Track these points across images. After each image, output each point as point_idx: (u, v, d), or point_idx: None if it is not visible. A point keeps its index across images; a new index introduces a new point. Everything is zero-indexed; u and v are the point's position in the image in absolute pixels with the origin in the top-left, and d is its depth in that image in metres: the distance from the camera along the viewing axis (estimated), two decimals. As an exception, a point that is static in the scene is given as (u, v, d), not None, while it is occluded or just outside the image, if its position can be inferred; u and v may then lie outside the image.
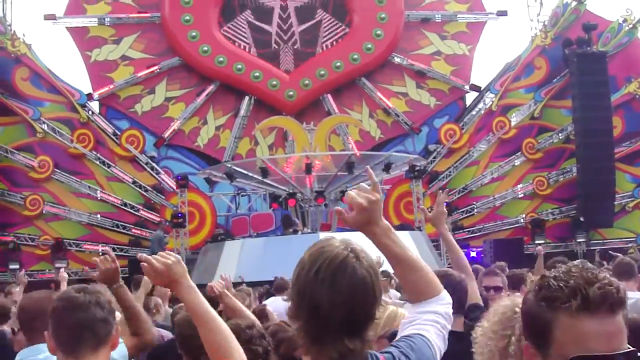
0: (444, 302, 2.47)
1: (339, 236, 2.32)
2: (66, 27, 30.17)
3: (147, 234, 28.24)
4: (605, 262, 12.68)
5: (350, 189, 2.52)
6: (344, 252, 2.19)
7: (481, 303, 5.12)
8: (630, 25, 30.97)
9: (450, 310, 2.49)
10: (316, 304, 2.11)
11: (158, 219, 28.27)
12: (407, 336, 2.33)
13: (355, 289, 2.13)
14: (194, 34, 29.77)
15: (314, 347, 2.14)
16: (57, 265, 25.94)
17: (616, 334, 1.77)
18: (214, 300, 5.31)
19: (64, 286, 8.35)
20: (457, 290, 4.50)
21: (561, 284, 1.80)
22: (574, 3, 31.04)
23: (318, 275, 2.13)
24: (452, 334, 4.45)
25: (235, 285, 8.79)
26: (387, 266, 3.21)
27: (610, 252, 16.66)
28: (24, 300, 4.25)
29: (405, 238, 22.66)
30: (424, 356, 2.29)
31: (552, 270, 1.89)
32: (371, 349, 2.24)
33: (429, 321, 2.38)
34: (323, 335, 2.12)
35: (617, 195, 29.50)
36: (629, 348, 1.78)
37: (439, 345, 2.38)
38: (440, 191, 5.71)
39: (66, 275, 8.64)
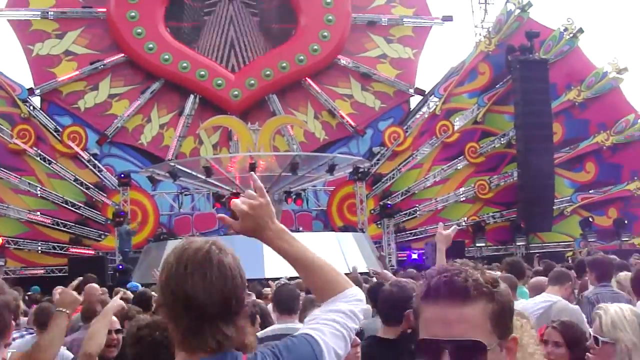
0: (347, 299, 2.46)
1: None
2: (7, 20, 29.60)
3: (88, 232, 27.90)
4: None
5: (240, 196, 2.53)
6: (205, 245, 2.23)
7: None
8: (571, 34, 31.65)
9: (359, 308, 2.47)
10: (191, 297, 2.13)
11: (100, 217, 27.95)
12: (290, 336, 2.37)
13: (225, 276, 2.17)
14: (139, 30, 29.47)
15: (193, 339, 2.16)
16: (-7, 262, 25.48)
17: (456, 322, 1.76)
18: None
19: None
20: (390, 300, 4.57)
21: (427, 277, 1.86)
22: (518, 11, 31.57)
23: (187, 269, 2.16)
24: (384, 341, 4.51)
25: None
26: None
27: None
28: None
29: (348, 239, 22.91)
30: (302, 357, 2.28)
31: None
32: (245, 337, 2.28)
33: (326, 320, 2.38)
34: (200, 326, 2.15)
35: (556, 200, 30.07)
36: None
37: (334, 344, 2.35)
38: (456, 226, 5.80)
39: None
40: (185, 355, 2.17)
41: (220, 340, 2.15)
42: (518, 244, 29.92)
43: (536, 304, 6.80)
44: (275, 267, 15.11)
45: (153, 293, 8.20)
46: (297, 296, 6.37)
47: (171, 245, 22.09)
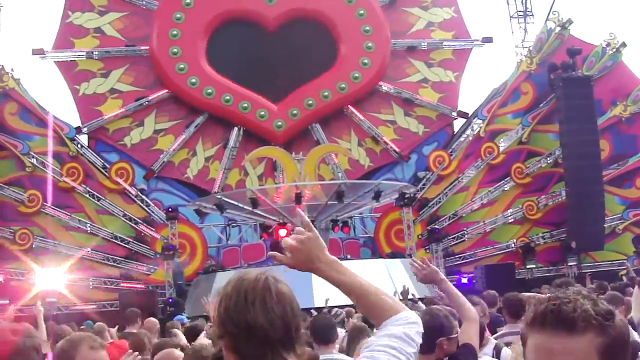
0: (400, 322, 2.44)
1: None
2: (54, 62, 30.27)
3: (139, 267, 28.17)
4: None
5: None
6: (261, 276, 2.29)
7: (476, 346, 4.88)
8: (614, 49, 31.29)
9: (414, 330, 2.44)
10: (252, 325, 2.18)
11: (150, 251, 28.22)
12: None
13: (284, 304, 2.24)
14: (182, 66, 29.88)
15: None
16: (47, 299, 25.79)
17: (560, 353, 1.70)
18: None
19: (40, 320, 8.29)
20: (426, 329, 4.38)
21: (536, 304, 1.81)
22: (558, 28, 31.35)
23: (247, 299, 2.22)
24: None
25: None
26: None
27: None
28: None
29: (396, 265, 22.80)
30: None
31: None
32: None
33: (381, 346, 2.37)
34: (262, 354, 2.19)
35: (606, 218, 29.59)
36: None
37: None
38: (424, 257, 5.54)
39: (42, 309, 8.54)
40: None
41: None
42: (570, 264, 29.45)
43: None
44: (324, 296, 15.07)
45: (209, 324, 8.24)
46: (334, 325, 6.33)
47: (220, 277, 22.34)
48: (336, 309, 12.76)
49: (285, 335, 2.21)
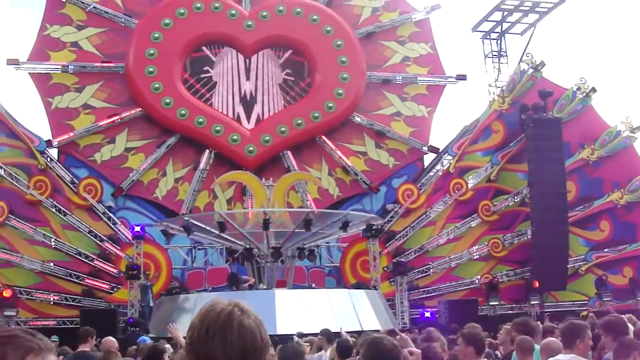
0: None
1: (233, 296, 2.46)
2: (29, 73, 30.10)
3: (101, 284, 27.91)
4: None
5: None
6: (228, 307, 2.33)
7: None
8: (584, 94, 31.86)
9: None
10: (211, 358, 2.24)
11: (114, 270, 28.00)
12: None
13: (244, 338, 2.27)
14: (157, 85, 29.88)
15: None
16: (6, 313, 25.46)
17: None
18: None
19: None
20: (386, 358, 4.33)
21: None
22: (531, 70, 31.86)
23: (208, 332, 2.27)
24: None
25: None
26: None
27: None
28: None
29: (361, 296, 22.83)
30: None
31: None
32: None
33: None
34: None
35: (570, 259, 29.93)
36: None
37: None
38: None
39: None
40: None
41: None
42: (532, 302, 29.67)
43: None
44: (287, 323, 15.10)
45: (167, 346, 8.24)
46: (302, 353, 6.35)
47: (183, 299, 22.21)
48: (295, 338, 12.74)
49: None
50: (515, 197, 31.37)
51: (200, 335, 2.28)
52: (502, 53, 36.02)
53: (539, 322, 10.16)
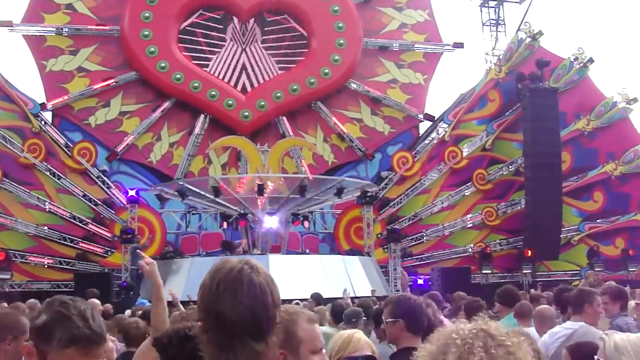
0: None
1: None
2: (22, 35, 29.84)
3: (95, 248, 27.96)
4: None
5: None
6: (238, 264, 2.35)
7: None
8: (581, 64, 31.78)
9: None
10: (222, 315, 2.25)
11: (108, 234, 28.03)
12: None
13: (254, 295, 2.28)
14: (152, 49, 29.67)
15: (223, 355, 2.27)
16: (0, 276, 25.52)
17: None
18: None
19: None
20: (412, 313, 4.63)
21: None
22: (529, 39, 31.73)
23: (218, 289, 2.28)
24: (407, 350, 4.45)
25: (184, 304, 8.75)
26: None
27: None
28: None
29: (354, 263, 22.91)
30: None
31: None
32: (274, 352, 2.42)
33: None
34: (231, 343, 2.25)
35: (563, 229, 30.05)
36: None
37: None
38: None
39: None
40: None
41: (251, 355, 2.25)
42: (524, 271, 29.81)
43: (554, 334, 6.23)
44: (281, 288, 15.14)
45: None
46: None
47: (177, 263, 22.26)
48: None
49: (255, 326, 2.25)
50: (510, 167, 31.40)
51: (210, 292, 2.29)
52: (499, 21, 35.78)
53: (524, 291, 10.21)
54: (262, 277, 2.33)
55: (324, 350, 2.83)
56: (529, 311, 7.61)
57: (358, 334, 3.75)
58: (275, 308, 2.33)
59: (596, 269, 28.09)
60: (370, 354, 3.62)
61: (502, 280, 28.20)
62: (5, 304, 10.76)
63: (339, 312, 8.69)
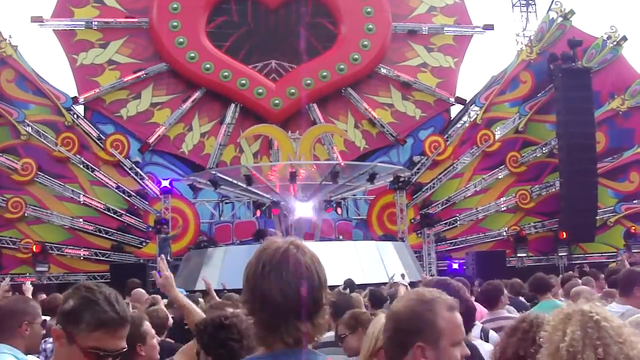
0: None
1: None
2: (53, 30, 30.09)
3: (130, 239, 28.19)
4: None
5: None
6: (284, 244, 2.31)
7: None
8: (615, 42, 31.27)
9: None
10: (266, 296, 2.23)
11: (142, 225, 28.24)
12: None
13: (300, 276, 2.25)
14: (181, 40, 29.75)
15: (269, 335, 2.26)
16: (38, 269, 25.88)
17: None
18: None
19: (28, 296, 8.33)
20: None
21: None
22: (560, 19, 31.31)
23: (264, 269, 2.26)
24: None
25: (217, 292, 8.77)
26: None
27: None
28: (3, 302, 4.39)
29: (388, 248, 22.85)
30: None
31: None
32: (322, 333, 2.35)
33: None
34: (276, 323, 2.24)
35: (599, 210, 29.68)
36: None
37: None
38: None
39: (31, 287, 8.54)
40: (265, 350, 2.29)
41: (297, 337, 2.24)
42: (560, 254, 29.57)
43: None
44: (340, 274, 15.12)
45: (200, 300, 8.30)
46: (353, 304, 6.36)
47: (212, 252, 22.37)
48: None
49: (300, 306, 2.22)
50: (543, 148, 31.08)
51: (256, 273, 2.27)
52: (530, 2, 35.34)
53: (551, 275, 10.06)
54: (308, 257, 2.30)
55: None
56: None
57: None
58: (321, 289, 2.30)
59: (633, 251, 27.77)
60: None
61: (537, 264, 28.01)
62: (44, 295, 10.87)
63: (379, 298, 8.64)
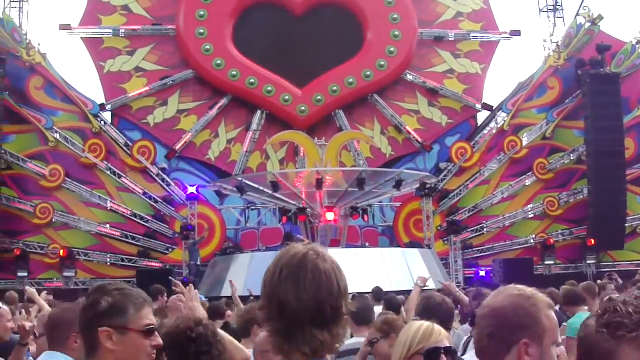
0: None
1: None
2: (81, 38, 30.35)
3: (156, 246, 28.32)
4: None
5: None
6: (303, 250, 2.25)
7: None
8: (644, 47, 30.96)
9: None
10: (284, 302, 2.16)
11: (168, 231, 28.38)
12: None
13: (319, 283, 2.18)
14: (207, 47, 29.88)
15: (286, 344, 2.19)
16: (65, 274, 26.07)
17: None
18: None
19: (38, 300, 8.38)
20: (436, 311, 4.65)
21: (630, 310, 1.56)
22: (588, 24, 31.06)
23: (282, 275, 2.19)
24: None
25: (243, 299, 8.75)
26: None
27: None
28: (53, 310, 4.34)
29: (414, 255, 22.76)
30: None
31: (622, 293, 1.65)
32: (341, 343, 2.28)
33: None
34: (293, 332, 2.16)
35: (628, 218, 29.34)
36: None
37: None
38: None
39: (34, 290, 8.60)
40: (282, 359, 2.22)
41: (315, 347, 2.16)
42: (588, 262, 29.28)
43: None
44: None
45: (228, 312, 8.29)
46: (371, 307, 6.31)
47: (238, 259, 22.41)
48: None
49: (317, 314, 2.16)
50: (572, 155, 30.81)
51: (273, 278, 2.21)
52: (557, 7, 34.98)
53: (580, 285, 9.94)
54: (328, 264, 2.23)
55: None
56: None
57: (437, 325, 3.68)
58: (341, 297, 2.22)
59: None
60: (450, 345, 3.55)
61: (565, 272, 27.78)
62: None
63: (394, 305, 8.56)
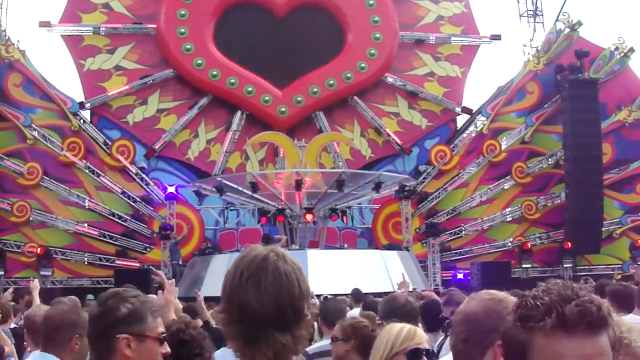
0: None
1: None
2: (61, 35, 30.16)
3: (134, 245, 28.19)
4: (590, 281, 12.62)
5: None
6: (264, 252, 2.22)
7: None
8: (622, 54, 31.21)
9: None
10: (244, 305, 2.12)
11: (147, 230, 28.25)
12: None
13: (280, 285, 2.14)
14: (188, 46, 29.79)
15: (248, 348, 2.15)
16: (42, 273, 25.85)
17: (595, 356, 1.61)
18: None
19: (35, 295, 8.33)
20: (400, 313, 4.69)
21: (537, 302, 1.66)
22: (567, 30, 31.27)
23: (242, 277, 2.16)
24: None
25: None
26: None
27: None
28: (50, 311, 4.23)
29: (393, 257, 22.81)
30: None
31: (532, 289, 1.73)
32: (304, 346, 2.26)
33: None
34: (255, 335, 2.13)
35: (604, 222, 29.59)
36: None
37: None
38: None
39: (38, 285, 8.60)
40: None
41: (277, 350, 2.13)
42: (565, 266, 29.49)
43: None
44: (319, 283, 15.10)
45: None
46: (344, 310, 6.30)
47: (216, 259, 22.37)
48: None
49: (279, 316, 2.12)
50: (550, 159, 31.01)
51: (233, 281, 2.17)
52: (537, 12, 35.24)
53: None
54: (289, 265, 2.19)
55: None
56: None
57: (418, 327, 3.71)
58: (302, 299, 2.18)
59: (639, 263, 27.65)
60: (430, 348, 3.58)
61: (542, 275, 27.94)
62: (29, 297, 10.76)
63: (371, 308, 8.58)
